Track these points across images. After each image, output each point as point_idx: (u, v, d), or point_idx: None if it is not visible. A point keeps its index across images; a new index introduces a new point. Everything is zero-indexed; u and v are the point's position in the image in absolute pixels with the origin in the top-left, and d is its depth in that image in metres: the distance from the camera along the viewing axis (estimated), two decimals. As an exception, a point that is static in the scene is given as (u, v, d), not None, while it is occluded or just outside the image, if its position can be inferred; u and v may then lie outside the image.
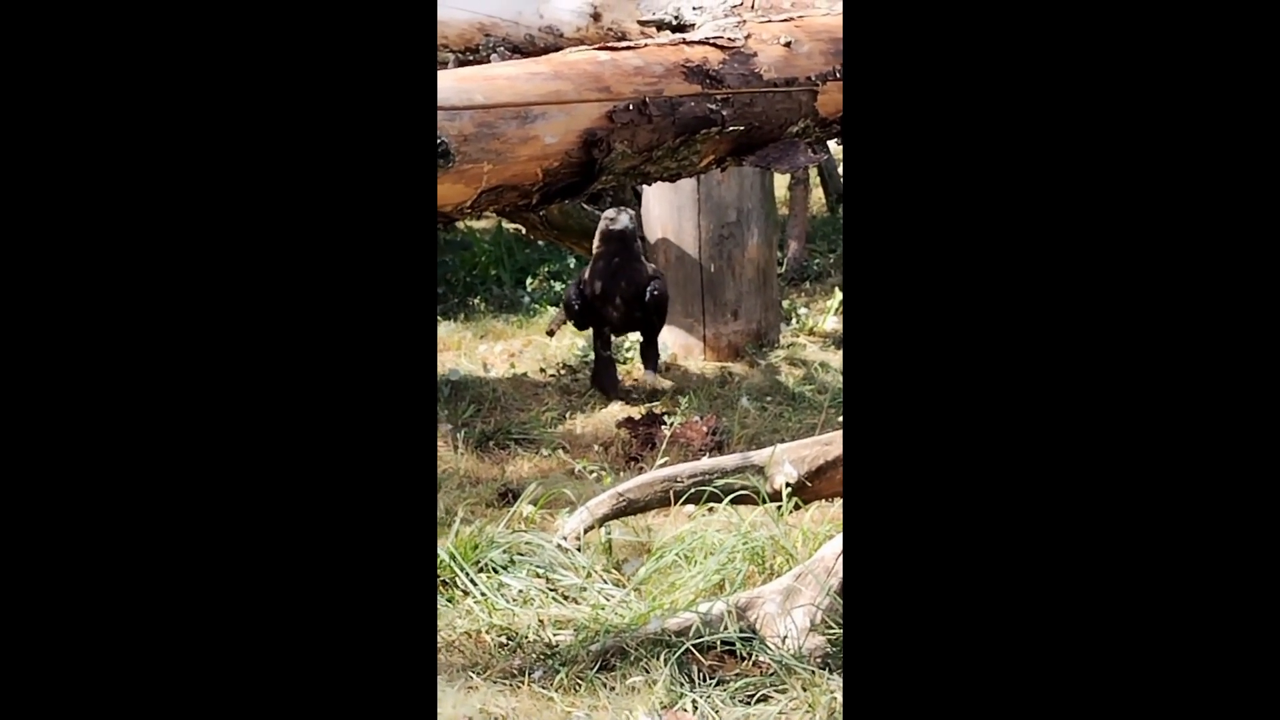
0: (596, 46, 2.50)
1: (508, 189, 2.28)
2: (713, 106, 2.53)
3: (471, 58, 3.69)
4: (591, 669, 2.54)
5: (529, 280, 5.85)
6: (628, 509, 3.23)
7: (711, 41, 2.63)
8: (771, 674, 2.53)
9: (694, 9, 3.27)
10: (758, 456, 3.28)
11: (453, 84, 2.21)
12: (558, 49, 3.13)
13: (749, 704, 2.46)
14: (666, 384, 4.54)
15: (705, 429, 3.98)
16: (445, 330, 5.16)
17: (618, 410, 4.28)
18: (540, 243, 5.85)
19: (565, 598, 2.90)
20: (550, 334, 4.96)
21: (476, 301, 5.65)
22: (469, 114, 2.17)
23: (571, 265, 5.89)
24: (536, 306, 5.52)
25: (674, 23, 3.32)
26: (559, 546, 3.06)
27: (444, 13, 3.68)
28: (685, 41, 2.64)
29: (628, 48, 2.51)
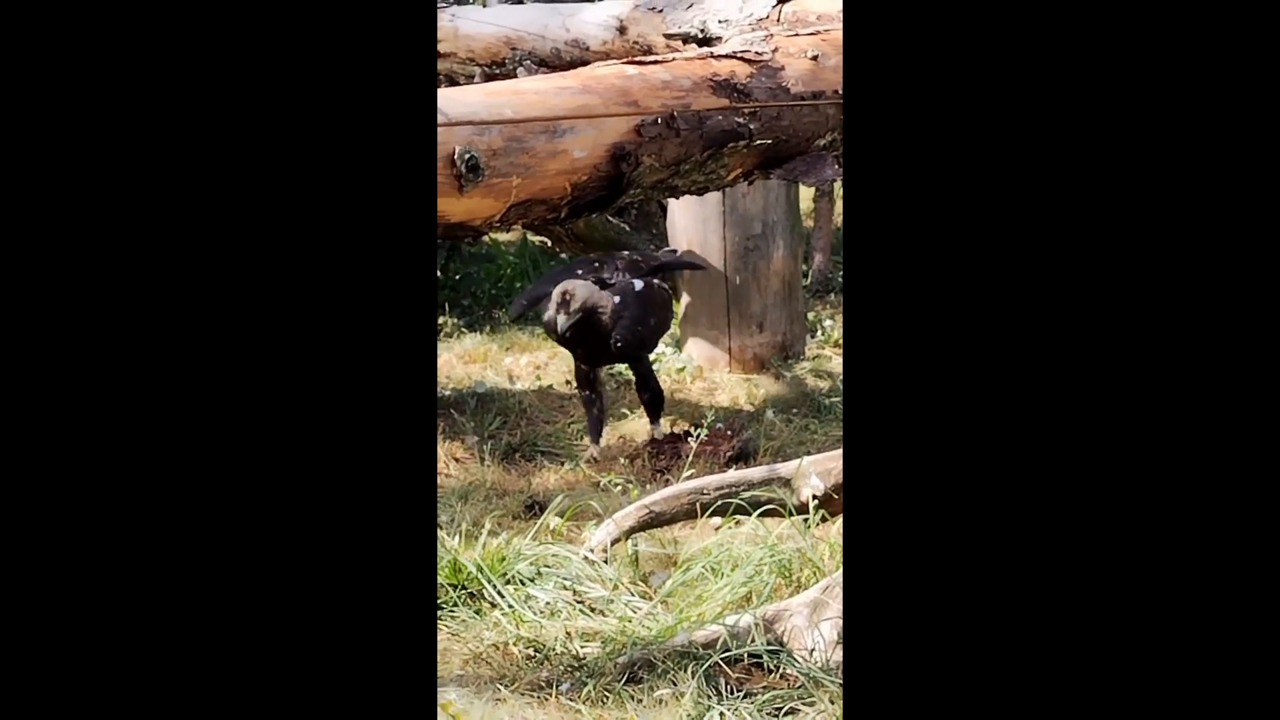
0: (624, 61, 2.52)
1: (536, 203, 2.29)
2: (740, 120, 2.54)
3: (498, 71, 3.70)
4: (619, 681, 2.55)
5: (554, 293, 5.85)
6: (654, 521, 3.23)
7: (739, 55, 2.64)
8: (799, 687, 2.53)
9: (720, 23, 3.28)
10: (784, 469, 3.29)
11: (482, 98, 2.22)
12: (584, 63, 3.15)
13: (776, 717, 2.46)
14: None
15: (731, 442, 3.98)
16: (471, 343, 5.17)
17: (642, 425, 4.27)
18: (565, 255, 5.85)
19: (592, 610, 2.91)
20: (576, 346, 4.95)
21: (502, 314, 5.66)
22: (498, 128, 2.19)
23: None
24: (562, 319, 5.52)
25: (700, 36, 3.33)
26: (586, 559, 3.06)
27: (470, 27, 3.69)
28: (713, 55, 2.65)
29: (655, 62, 2.53)
